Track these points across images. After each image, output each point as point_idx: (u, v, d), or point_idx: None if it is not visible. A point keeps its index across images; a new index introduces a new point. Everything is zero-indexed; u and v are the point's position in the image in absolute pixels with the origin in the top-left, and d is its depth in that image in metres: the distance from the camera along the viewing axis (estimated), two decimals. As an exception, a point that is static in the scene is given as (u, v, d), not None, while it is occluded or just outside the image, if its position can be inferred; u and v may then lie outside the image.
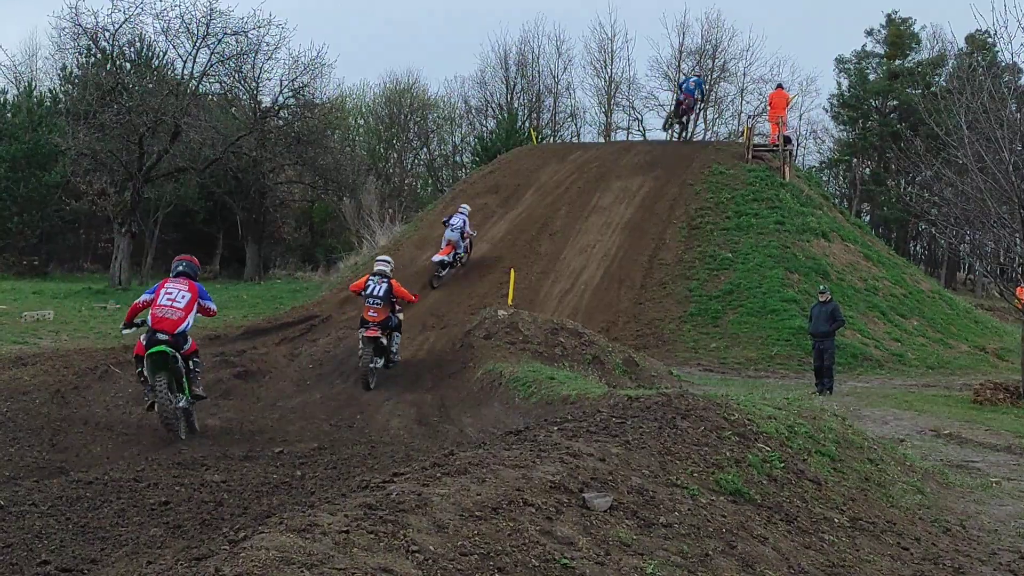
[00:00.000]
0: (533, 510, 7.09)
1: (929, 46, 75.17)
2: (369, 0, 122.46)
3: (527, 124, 70.03)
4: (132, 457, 13.26)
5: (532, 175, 40.80)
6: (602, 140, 66.24)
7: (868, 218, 73.39)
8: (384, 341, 19.61)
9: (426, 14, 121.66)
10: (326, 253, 62.82)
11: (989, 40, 58.77)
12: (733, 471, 9.20)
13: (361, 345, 19.53)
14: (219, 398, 18.47)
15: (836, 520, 9.20)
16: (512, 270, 30.98)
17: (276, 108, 56.26)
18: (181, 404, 15.09)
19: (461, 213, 32.89)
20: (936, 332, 32.22)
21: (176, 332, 14.84)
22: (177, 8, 71.57)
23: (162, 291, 15.16)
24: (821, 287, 25.42)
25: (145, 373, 14.87)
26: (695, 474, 8.91)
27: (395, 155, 76.48)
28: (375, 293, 19.93)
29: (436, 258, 32.36)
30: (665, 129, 36.81)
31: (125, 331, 15.98)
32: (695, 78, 41.26)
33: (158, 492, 10.42)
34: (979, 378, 25.61)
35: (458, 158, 77.83)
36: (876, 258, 36.53)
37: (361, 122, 76.47)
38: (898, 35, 74.53)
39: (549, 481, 7.70)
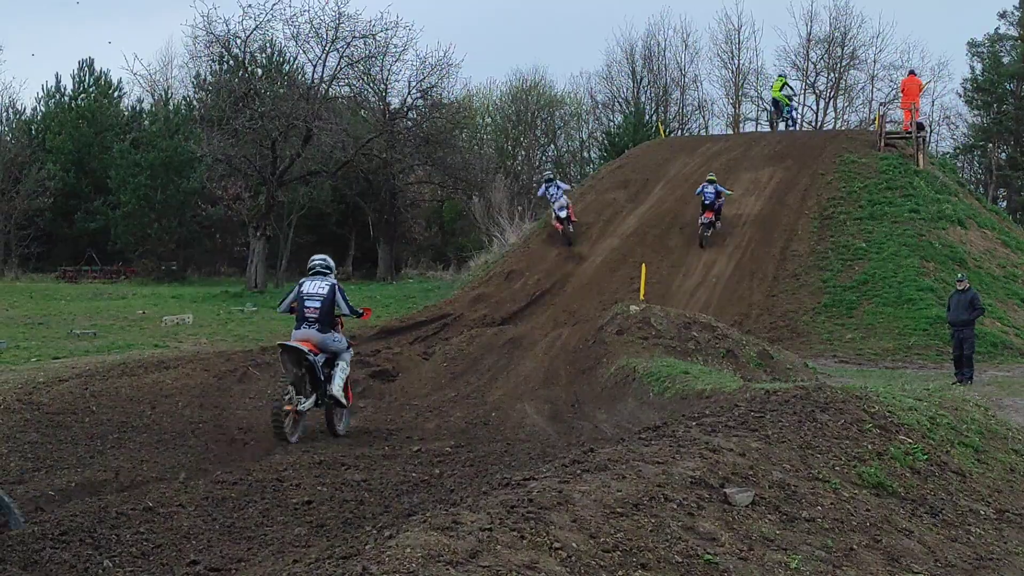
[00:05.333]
0: (674, 506, 7.09)
1: (1067, 26, 73.09)
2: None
3: (654, 118, 69.72)
4: (274, 457, 13.45)
5: (660, 169, 40.59)
6: (730, 132, 65.68)
7: (1005, 204, 71.43)
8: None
9: (551, 11, 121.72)
10: (457, 252, 63.23)
11: None
12: (875, 464, 9.08)
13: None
14: (356, 398, 18.71)
15: (982, 512, 9.01)
16: (643, 265, 30.91)
17: (405, 109, 56.86)
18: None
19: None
20: (1080, 319, 31.35)
21: None
22: (306, 13, 72.77)
23: None
24: (959, 275, 24.89)
25: None
26: (836, 467, 8.82)
27: (523, 152, 76.66)
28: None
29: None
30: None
31: None
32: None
33: (301, 492, 10.57)
34: None
35: (586, 154, 77.68)
36: (1015, 245, 35.70)
37: (488, 120, 76.78)
38: (1033, 16, 72.52)
39: (689, 476, 7.68)
